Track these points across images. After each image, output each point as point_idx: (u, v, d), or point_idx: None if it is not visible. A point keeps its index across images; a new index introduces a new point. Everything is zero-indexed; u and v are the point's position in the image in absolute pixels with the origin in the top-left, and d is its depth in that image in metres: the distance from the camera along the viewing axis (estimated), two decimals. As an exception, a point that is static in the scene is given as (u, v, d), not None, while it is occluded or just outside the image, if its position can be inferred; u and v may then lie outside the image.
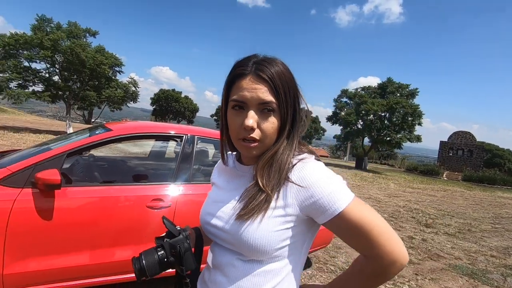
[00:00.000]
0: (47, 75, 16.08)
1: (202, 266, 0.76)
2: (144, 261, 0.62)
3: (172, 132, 2.45)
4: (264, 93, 0.60)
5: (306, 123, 0.69)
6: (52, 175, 1.75)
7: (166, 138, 2.67)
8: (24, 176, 1.82)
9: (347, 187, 0.62)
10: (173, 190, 2.21)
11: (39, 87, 15.89)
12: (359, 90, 24.07)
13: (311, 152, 0.69)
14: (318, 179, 0.60)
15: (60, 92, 16.23)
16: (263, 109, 0.61)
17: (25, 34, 15.09)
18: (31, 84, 15.62)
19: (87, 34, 17.07)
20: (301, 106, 0.67)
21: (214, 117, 50.07)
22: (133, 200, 2.05)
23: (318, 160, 0.66)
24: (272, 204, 0.61)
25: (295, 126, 0.66)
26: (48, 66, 15.94)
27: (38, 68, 15.90)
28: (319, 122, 55.01)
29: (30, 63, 15.54)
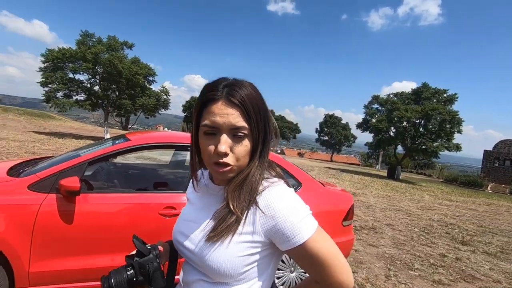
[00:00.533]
0: (88, 85, 17.44)
1: (177, 277, 0.78)
2: (112, 280, 0.63)
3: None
4: (236, 118, 0.61)
5: (276, 140, 0.72)
6: (72, 182, 1.89)
7: (184, 148, 2.76)
8: (50, 182, 1.99)
9: (312, 218, 0.64)
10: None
11: (81, 97, 17.26)
12: (391, 96, 23.06)
13: (279, 176, 0.70)
14: (283, 208, 0.61)
15: (99, 101, 17.49)
16: (236, 134, 0.62)
17: (70, 48, 16.55)
18: (74, 93, 17.02)
19: (124, 47, 18.30)
20: (271, 123, 0.69)
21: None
22: (146, 207, 2.15)
23: (287, 185, 0.68)
24: (240, 228, 0.63)
25: (266, 146, 0.67)
26: (90, 77, 17.30)
27: (81, 79, 17.32)
28: (350, 129, 53.40)
29: (74, 75, 16.95)
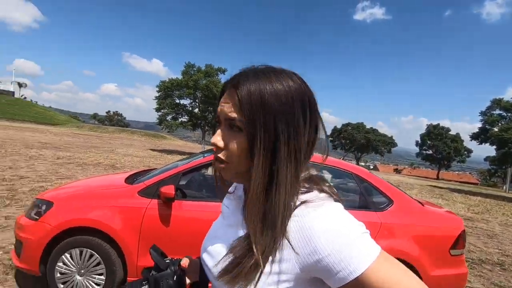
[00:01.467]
0: (190, 108, 20.24)
1: None
2: None
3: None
4: (229, 108, 0.52)
5: (306, 155, 0.53)
6: (169, 190, 2.17)
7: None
8: (153, 189, 2.34)
9: (369, 239, 0.48)
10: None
11: (185, 118, 20.14)
12: (521, 98, 18.46)
13: (321, 190, 0.54)
14: (325, 232, 0.46)
15: (198, 121, 20.02)
16: (231, 127, 0.52)
17: (177, 78, 19.66)
18: (180, 116, 20.01)
19: (219, 72, 20.59)
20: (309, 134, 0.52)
21: (330, 138, 48.82)
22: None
23: (335, 200, 0.53)
24: (267, 268, 0.49)
25: (282, 153, 0.50)
26: (191, 101, 20.08)
27: (185, 103, 20.27)
28: (461, 140, 44.82)
29: (180, 100, 19.97)
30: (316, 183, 0.55)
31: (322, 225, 0.47)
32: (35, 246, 2.19)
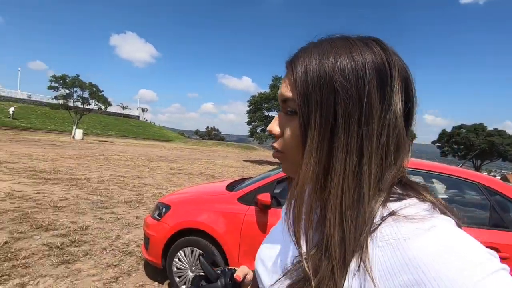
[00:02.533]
0: (278, 119, 20.98)
1: None
2: None
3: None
4: (284, 88, 0.44)
5: (388, 147, 0.38)
6: (265, 197, 2.25)
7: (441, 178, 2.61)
8: (251, 197, 2.47)
9: (506, 274, 0.31)
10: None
11: (274, 130, 21.02)
12: None
13: (424, 199, 0.39)
14: (434, 256, 0.31)
15: (287, 132, 20.56)
16: (287, 111, 0.44)
17: (266, 92, 20.66)
18: (268, 128, 21.00)
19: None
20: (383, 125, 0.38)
21: (437, 144, 41.85)
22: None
23: (450, 219, 0.36)
24: None
25: (342, 140, 0.38)
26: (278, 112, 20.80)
27: (273, 115, 21.05)
28: None
29: (268, 112, 20.84)
30: (413, 189, 0.40)
31: (429, 248, 0.32)
32: (157, 242, 2.60)
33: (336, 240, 0.36)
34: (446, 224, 0.34)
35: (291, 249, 0.46)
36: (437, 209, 0.38)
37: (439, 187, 2.75)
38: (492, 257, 0.32)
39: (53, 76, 25.32)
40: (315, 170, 0.39)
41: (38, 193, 5.54)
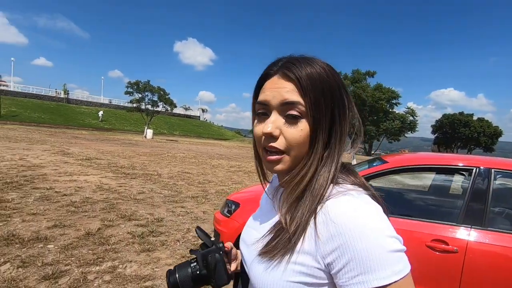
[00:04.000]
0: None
1: None
2: (177, 274, 0.59)
3: (459, 164, 2.12)
4: (288, 92, 0.49)
5: (358, 140, 0.56)
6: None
7: (449, 171, 2.34)
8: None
9: (405, 256, 0.42)
10: (461, 234, 1.85)
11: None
12: None
13: (359, 184, 0.51)
14: (359, 226, 0.42)
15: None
16: (288, 113, 0.49)
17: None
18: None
19: (367, 76, 19.32)
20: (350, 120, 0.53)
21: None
22: (411, 235, 1.97)
23: (372, 197, 0.48)
24: (298, 246, 0.48)
25: (337, 137, 0.51)
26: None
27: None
28: None
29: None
30: (352, 174, 0.53)
31: (357, 219, 0.43)
32: (228, 238, 2.68)
33: (313, 199, 0.48)
34: (366, 197, 0.47)
35: (269, 223, 0.57)
36: (360, 189, 0.49)
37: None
38: (399, 238, 0.43)
39: (129, 82, 28.56)
40: (317, 165, 0.50)
41: (121, 186, 6.27)
